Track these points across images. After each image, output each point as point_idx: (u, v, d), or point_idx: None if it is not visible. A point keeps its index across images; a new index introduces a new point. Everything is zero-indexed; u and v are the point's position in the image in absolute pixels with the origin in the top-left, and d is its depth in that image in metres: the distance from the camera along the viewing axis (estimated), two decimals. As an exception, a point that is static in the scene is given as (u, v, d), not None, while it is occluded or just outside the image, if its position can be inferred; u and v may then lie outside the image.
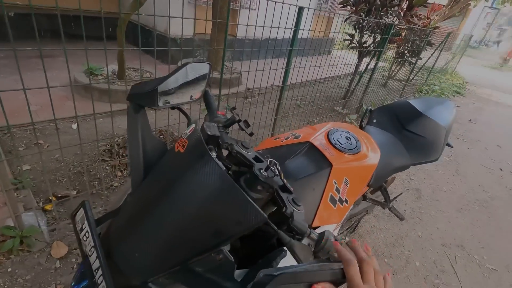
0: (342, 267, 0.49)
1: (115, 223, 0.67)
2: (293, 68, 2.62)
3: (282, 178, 0.73)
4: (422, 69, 6.91)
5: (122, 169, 2.20)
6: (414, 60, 5.83)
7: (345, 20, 4.34)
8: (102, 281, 0.58)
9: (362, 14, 4.27)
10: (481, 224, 2.46)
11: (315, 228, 0.84)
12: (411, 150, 1.37)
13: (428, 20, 5.86)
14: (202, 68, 0.77)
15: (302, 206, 0.70)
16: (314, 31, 2.56)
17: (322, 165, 0.90)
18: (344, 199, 0.88)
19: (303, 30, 2.40)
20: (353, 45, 4.53)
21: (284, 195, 0.70)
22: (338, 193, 0.87)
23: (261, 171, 0.71)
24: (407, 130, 1.41)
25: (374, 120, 1.49)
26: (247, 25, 2.15)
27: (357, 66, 4.52)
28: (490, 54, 18.09)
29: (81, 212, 0.67)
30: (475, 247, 2.18)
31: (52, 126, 2.63)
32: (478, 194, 2.90)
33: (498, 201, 2.85)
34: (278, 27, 2.21)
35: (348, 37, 4.49)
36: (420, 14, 5.22)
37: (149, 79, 3.56)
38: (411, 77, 6.36)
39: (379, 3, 4.03)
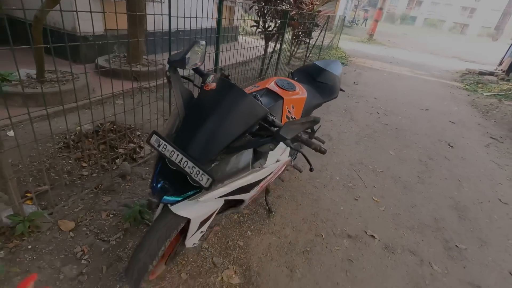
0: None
1: (179, 136, 1.10)
2: (222, 51, 3.11)
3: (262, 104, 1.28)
4: (314, 48, 8.28)
5: (86, 160, 2.34)
6: (307, 40, 7.00)
7: (250, 9, 5.01)
8: (186, 164, 1.02)
9: (262, 2, 4.99)
10: (370, 148, 3.53)
11: None
12: (321, 93, 2.08)
13: (312, 6, 7.08)
14: (202, 45, 1.23)
15: (276, 117, 1.27)
16: (225, 18, 3.05)
17: (277, 99, 1.47)
18: (294, 117, 1.49)
19: (215, 18, 2.88)
20: (259, 30, 5.26)
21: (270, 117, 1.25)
22: (290, 113, 1.47)
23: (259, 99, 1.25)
24: (317, 81, 2.12)
25: (295, 78, 2.16)
26: (168, 17, 2.48)
27: (266, 48, 5.29)
28: (359, 31, 22.08)
29: (154, 137, 1.07)
30: (369, 162, 3.20)
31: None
32: (366, 130, 4.04)
33: (378, 132, 4.04)
34: (196, 17, 2.60)
35: (254, 24, 5.19)
36: (305, 1, 6.32)
37: (73, 76, 3.50)
38: (307, 54, 7.60)
39: (274, -8, 4.80)
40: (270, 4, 4.91)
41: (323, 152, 1.28)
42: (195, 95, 1.21)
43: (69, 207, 1.85)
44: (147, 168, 2.41)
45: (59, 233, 1.65)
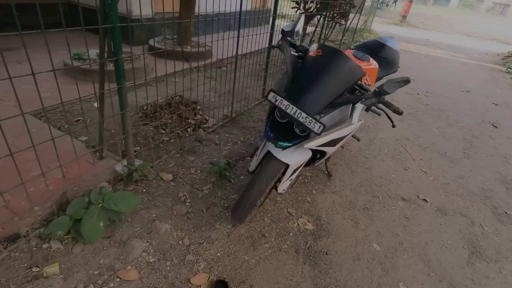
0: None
1: (291, 93, 1.35)
2: (246, 36, 3.29)
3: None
4: (347, 30, 8.21)
5: (164, 128, 2.67)
6: (344, 22, 6.98)
7: (292, -10, 5.10)
8: (300, 115, 1.27)
9: (303, -17, 5.06)
10: (414, 126, 3.65)
11: None
12: (382, 67, 2.25)
13: (349, -14, 7.00)
14: (301, 18, 1.46)
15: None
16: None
17: (356, 68, 1.68)
18: (370, 85, 1.69)
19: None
20: (300, 11, 5.36)
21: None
22: (367, 80, 1.68)
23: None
24: (377, 56, 2.29)
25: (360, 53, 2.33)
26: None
27: (305, 29, 5.40)
28: (391, 13, 21.18)
29: (271, 94, 1.33)
30: (414, 138, 3.33)
31: (77, 106, 2.87)
32: (408, 110, 4.13)
33: (420, 112, 4.12)
34: None
35: (295, 5, 5.29)
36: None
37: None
38: (341, 38, 7.58)
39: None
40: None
41: (400, 113, 1.49)
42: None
43: (163, 163, 2.19)
44: (217, 136, 2.71)
45: (162, 182, 1.99)
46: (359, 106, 1.57)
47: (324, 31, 7.21)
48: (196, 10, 6.32)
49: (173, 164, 2.19)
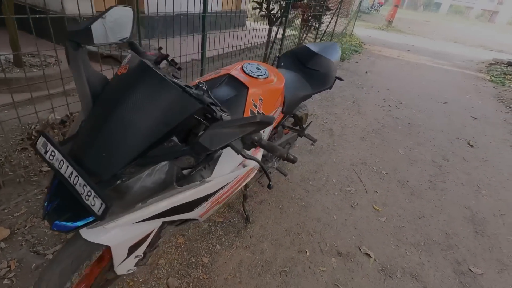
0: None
1: (77, 141, 0.80)
2: (209, 34, 2.76)
3: (210, 94, 0.95)
4: (325, 34, 7.75)
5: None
6: (317, 25, 6.50)
7: (251, -11, 4.59)
8: (77, 181, 0.72)
9: (265, -18, 4.55)
10: (377, 146, 3.14)
11: None
12: (311, 82, 1.73)
13: (323, -13, 6.54)
14: (126, 12, 0.91)
15: (228, 112, 0.94)
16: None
17: (240, 89, 1.14)
18: (261, 112, 1.15)
19: None
20: (262, 12, 4.84)
21: (213, 108, 0.93)
22: (256, 108, 1.14)
23: (192, 89, 0.93)
24: (307, 67, 1.76)
25: (282, 64, 1.81)
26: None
27: (269, 31, 4.87)
28: (378, 18, 20.92)
29: (41, 140, 0.77)
30: (374, 162, 2.82)
31: None
32: (374, 125, 3.63)
33: (388, 128, 3.62)
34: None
35: (257, 6, 4.77)
36: (316, -19, 5.81)
37: (53, 63, 3.27)
38: (317, 41, 7.10)
39: (278, -29, 4.35)
40: (274, -17, 4.47)
41: (291, 161, 0.96)
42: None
43: (10, 210, 1.61)
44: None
45: (-12, 242, 1.41)
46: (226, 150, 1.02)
47: (300, 34, 6.74)
48: (153, 9, 5.84)
49: (23, 211, 1.61)
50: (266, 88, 1.20)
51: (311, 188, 2.29)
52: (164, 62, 1.05)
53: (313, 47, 1.81)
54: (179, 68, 1.04)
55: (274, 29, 4.77)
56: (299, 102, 1.65)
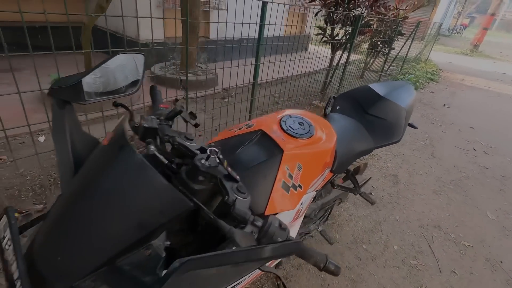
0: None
1: (42, 228, 0.63)
2: (263, 63, 2.60)
3: (226, 166, 0.71)
4: (396, 59, 7.08)
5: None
6: (387, 51, 5.94)
7: (315, 15, 4.39)
8: (18, 284, 0.54)
9: (332, 7, 4.31)
10: (456, 203, 2.51)
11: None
12: (373, 133, 1.37)
13: (398, 11, 6.00)
14: (135, 60, 0.74)
15: (247, 193, 0.69)
16: (286, 25, 2.56)
17: (273, 151, 0.88)
18: (297, 185, 0.87)
19: (272, 25, 2.37)
20: (325, 39, 4.58)
21: (228, 184, 0.68)
22: (291, 178, 0.86)
23: (202, 161, 0.70)
24: (369, 114, 1.41)
25: (338, 107, 1.49)
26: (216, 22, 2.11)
27: (331, 59, 4.57)
28: (461, 41, 18.72)
29: (4, 220, 0.62)
30: (451, 226, 2.23)
31: (17, 140, 2.52)
32: (453, 175, 2.97)
33: (472, 180, 2.92)
34: (243, 23, 2.21)
35: (320, 31, 4.54)
36: (390, 5, 5.35)
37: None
38: (386, 68, 6.50)
39: (347, -5, 4.07)
40: (341, 8, 4.19)
41: (332, 273, 0.65)
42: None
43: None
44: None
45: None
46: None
47: (366, 59, 6.25)
48: (214, 35, 6.04)
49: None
50: (309, 151, 0.92)
51: (365, 255, 1.85)
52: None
53: (379, 88, 1.46)
54: (196, 125, 0.84)
55: (338, 52, 4.45)
56: (355, 159, 1.31)
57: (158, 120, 0.76)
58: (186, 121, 0.78)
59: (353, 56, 5.12)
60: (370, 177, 1.79)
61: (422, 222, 2.23)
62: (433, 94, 5.97)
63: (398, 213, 2.28)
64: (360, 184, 1.57)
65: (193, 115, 0.88)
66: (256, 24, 2.33)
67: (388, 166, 2.96)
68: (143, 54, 0.75)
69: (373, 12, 5.08)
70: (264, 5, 2.30)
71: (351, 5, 4.18)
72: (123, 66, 0.72)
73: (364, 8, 4.37)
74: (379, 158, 3.08)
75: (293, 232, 1.03)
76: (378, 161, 3.01)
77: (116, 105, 0.81)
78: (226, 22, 2.19)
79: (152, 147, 0.68)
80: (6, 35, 1.28)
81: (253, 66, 2.56)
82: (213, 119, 3.02)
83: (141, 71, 0.75)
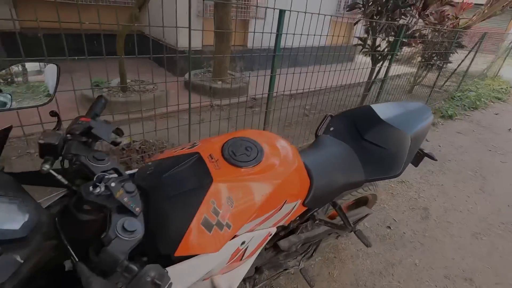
0: None
1: None
2: (279, 74, 2.46)
3: (118, 196, 0.61)
4: (455, 74, 6.28)
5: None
6: (442, 64, 5.30)
7: (354, 24, 4.10)
8: None
9: (374, 17, 3.98)
10: (502, 253, 2.04)
11: (185, 257, 0.70)
12: (367, 164, 1.14)
13: (457, 20, 5.33)
14: (48, 70, 0.69)
15: (137, 232, 0.58)
16: (321, 35, 2.37)
17: (202, 180, 0.75)
18: (224, 223, 0.72)
19: (290, 34, 2.24)
20: (365, 50, 4.25)
21: (117, 218, 0.59)
22: (217, 215, 0.72)
23: (90, 188, 0.61)
24: (365, 140, 1.19)
25: (331, 128, 1.29)
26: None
27: (372, 71, 4.21)
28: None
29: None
30: (489, 282, 1.80)
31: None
32: (506, 217, 2.44)
33: (530, 225, 2.37)
34: (263, 32, 2.12)
35: (359, 42, 4.22)
36: (448, 14, 4.77)
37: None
38: (440, 83, 5.80)
39: (391, 4, 3.72)
40: (383, 17, 3.84)
41: None
42: None
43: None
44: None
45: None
46: None
47: (417, 72, 5.65)
48: (251, 44, 6.01)
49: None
50: (248, 182, 0.77)
51: (363, 303, 1.58)
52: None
53: (381, 110, 1.22)
54: (114, 143, 0.75)
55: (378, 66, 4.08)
56: (339, 192, 1.10)
57: (69, 135, 0.70)
58: (90, 140, 0.70)
59: (402, 69, 4.66)
60: (368, 213, 1.50)
61: (449, 272, 1.84)
62: (497, 116, 5.13)
63: (420, 256, 1.93)
64: (354, 221, 1.33)
65: (120, 131, 0.80)
66: (270, 33, 2.21)
67: (419, 197, 2.55)
68: (56, 65, 0.70)
69: (426, 22, 4.59)
70: (281, 13, 2.18)
71: (395, 15, 3.80)
72: (33, 76, 0.67)
73: (411, 17, 3.94)
74: (409, 186, 2.69)
75: (234, 279, 0.87)
76: (407, 190, 2.62)
77: (52, 114, 0.76)
78: (254, 32, 2.16)
79: (47, 166, 0.62)
80: (68, 41, 1.43)
81: (289, 75, 2.46)
82: (236, 128, 2.96)
83: (53, 83, 0.69)
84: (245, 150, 0.83)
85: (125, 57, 3.06)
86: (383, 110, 1.23)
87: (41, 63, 0.68)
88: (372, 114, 1.22)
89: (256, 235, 0.86)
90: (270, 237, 0.95)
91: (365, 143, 1.19)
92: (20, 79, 0.66)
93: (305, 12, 2.22)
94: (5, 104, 0.67)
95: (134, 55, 1.67)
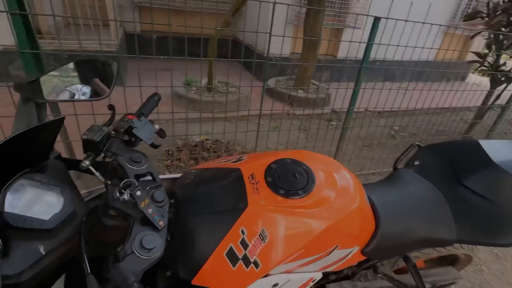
0: None
1: None
2: (364, 88, 2.20)
3: (143, 207, 0.58)
4: None
5: (171, 170, 2.37)
6: None
7: (472, 37, 3.41)
8: None
9: (502, 29, 3.23)
10: None
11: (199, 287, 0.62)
12: (462, 218, 0.85)
13: None
14: (107, 66, 0.70)
15: (155, 250, 0.53)
16: (423, 48, 2.03)
17: (236, 203, 0.65)
18: (252, 261, 0.60)
19: (383, 44, 1.98)
20: (483, 68, 3.48)
21: (138, 230, 0.55)
22: (245, 249, 0.61)
23: (116, 193, 0.59)
24: (463, 186, 0.89)
25: (416, 162, 1.02)
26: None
27: (488, 95, 3.43)
28: None
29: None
30: None
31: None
32: None
33: None
34: (351, 41, 1.93)
35: (477, 58, 3.48)
36: None
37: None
38: None
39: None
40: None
41: None
42: None
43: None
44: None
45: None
46: None
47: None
48: (343, 54, 5.61)
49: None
50: (287, 217, 0.62)
51: None
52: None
53: (493, 148, 0.88)
54: (153, 145, 0.73)
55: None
56: (413, 248, 0.85)
57: (113, 132, 0.70)
58: (133, 139, 0.68)
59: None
60: (457, 278, 1.11)
61: None
62: None
63: None
64: (433, 284, 1.03)
65: (162, 133, 0.78)
66: (360, 42, 1.98)
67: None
68: (116, 62, 0.71)
69: None
70: (375, 21, 1.94)
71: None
72: (94, 71, 0.69)
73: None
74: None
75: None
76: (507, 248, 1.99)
77: (110, 108, 0.79)
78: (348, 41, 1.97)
79: (86, 162, 0.62)
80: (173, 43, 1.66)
81: (377, 91, 2.22)
82: (307, 140, 2.80)
83: (112, 79, 0.71)
84: (293, 176, 0.69)
85: (217, 59, 3.31)
86: (497, 148, 0.91)
87: (103, 59, 0.70)
88: (479, 152, 0.91)
89: (294, 279, 0.72)
90: (313, 283, 0.79)
91: (463, 189, 0.90)
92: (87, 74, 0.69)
93: (406, 20, 1.92)
94: (73, 95, 0.72)
95: (224, 58, 1.77)
